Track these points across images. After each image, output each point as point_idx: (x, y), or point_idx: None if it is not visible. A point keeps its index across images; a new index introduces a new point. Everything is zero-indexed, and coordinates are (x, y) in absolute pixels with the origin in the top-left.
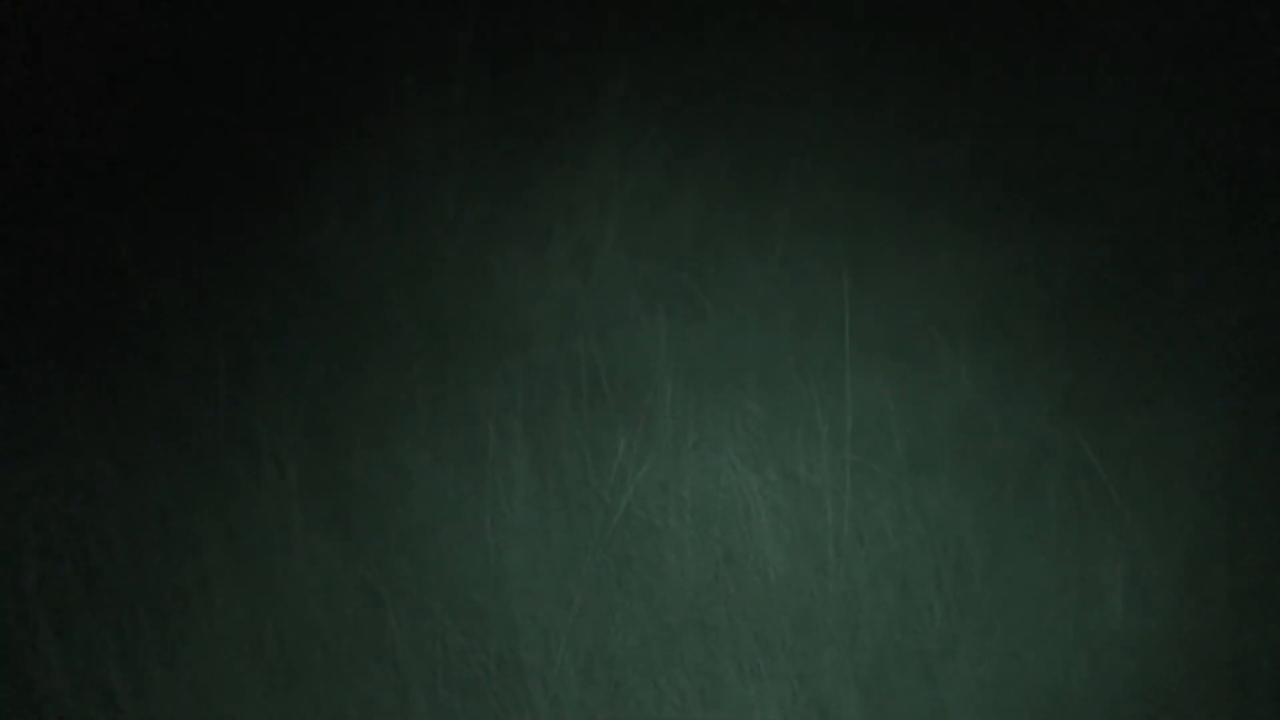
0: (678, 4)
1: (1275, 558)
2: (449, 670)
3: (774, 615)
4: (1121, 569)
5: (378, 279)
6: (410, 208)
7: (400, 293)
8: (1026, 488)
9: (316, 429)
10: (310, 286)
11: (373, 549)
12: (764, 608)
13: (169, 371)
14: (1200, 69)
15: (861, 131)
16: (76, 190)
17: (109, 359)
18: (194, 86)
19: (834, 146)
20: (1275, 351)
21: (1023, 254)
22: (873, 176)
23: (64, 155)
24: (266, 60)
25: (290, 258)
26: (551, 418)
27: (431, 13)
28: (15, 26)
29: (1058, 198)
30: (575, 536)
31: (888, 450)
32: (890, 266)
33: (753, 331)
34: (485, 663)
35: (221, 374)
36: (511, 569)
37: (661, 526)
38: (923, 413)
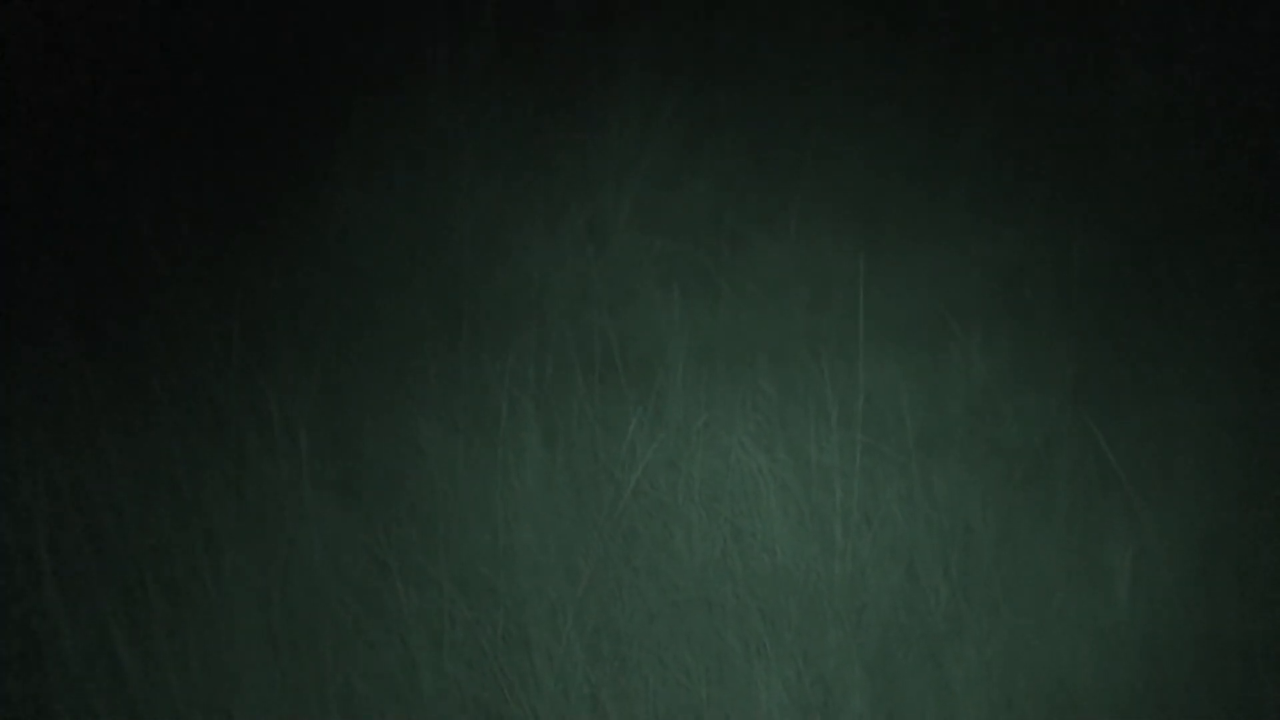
0: None
1: None
2: (455, 644)
3: (781, 594)
4: (1129, 555)
5: (393, 250)
6: (426, 180)
7: (415, 265)
8: (1036, 473)
9: (328, 398)
10: (325, 257)
11: (382, 520)
12: (771, 587)
13: (183, 338)
14: (1217, 58)
15: (879, 114)
16: (93, 158)
17: (123, 325)
18: (212, 56)
19: (850, 128)
20: None
21: (1037, 240)
22: (889, 160)
23: (81, 123)
24: (285, 31)
25: (306, 228)
26: (563, 393)
27: None
28: None
29: (1073, 185)
30: (584, 512)
31: (898, 432)
32: (905, 249)
33: (766, 311)
34: (492, 637)
35: (235, 342)
36: (520, 543)
37: (670, 504)
38: (934, 396)
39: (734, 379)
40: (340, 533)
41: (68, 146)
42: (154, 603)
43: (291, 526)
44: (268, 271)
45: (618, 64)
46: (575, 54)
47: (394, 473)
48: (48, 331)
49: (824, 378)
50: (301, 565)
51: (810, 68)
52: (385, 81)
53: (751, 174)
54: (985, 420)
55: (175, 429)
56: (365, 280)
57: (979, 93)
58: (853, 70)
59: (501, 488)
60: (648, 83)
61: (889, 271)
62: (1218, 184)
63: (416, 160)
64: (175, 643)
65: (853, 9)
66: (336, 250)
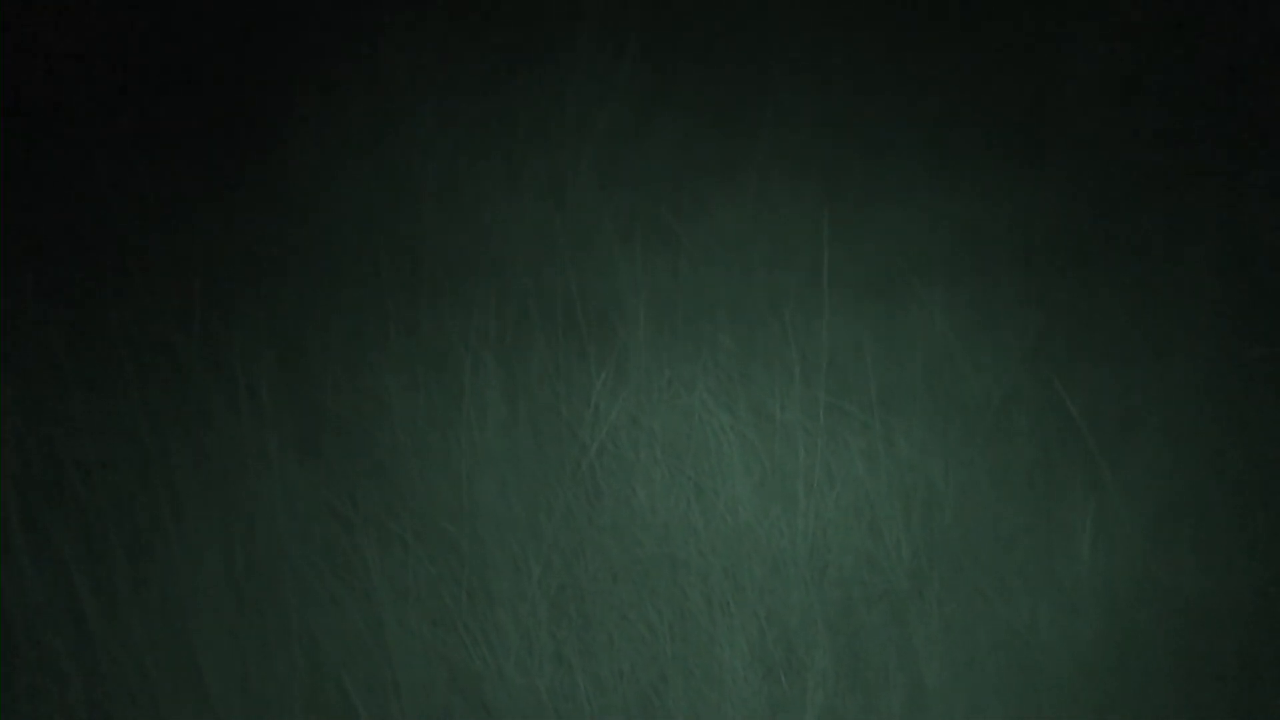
0: None
1: (1242, 502)
2: (419, 599)
3: (744, 552)
4: (1090, 511)
5: (352, 206)
6: (385, 137)
7: (374, 221)
8: (997, 430)
9: (290, 355)
10: (284, 212)
11: (345, 476)
12: (734, 545)
13: (144, 296)
14: (1178, 12)
15: (841, 67)
16: (53, 118)
17: (84, 283)
18: (172, 16)
19: (812, 83)
20: (1247, 299)
21: (998, 199)
22: (848, 117)
23: (39, 85)
24: None
25: (264, 185)
26: (524, 349)
27: None
28: None
29: (1034, 144)
30: (546, 468)
31: (860, 390)
32: (864, 206)
33: (726, 268)
34: (456, 593)
35: (197, 300)
36: (483, 500)
37: (633, 461)
38: (896, 353)
39: (695, 336)
40: (303, 489)
41: (28, 105)
42: (118, 559)
43: (254, 483)
44: (228, 229)
45: (576, 18)
46: (533, 8)
47: (356, 429)
48: (10, 289)
49: (786, 335)
50: (265, 522)
51: (769, 25)
52: (342, 38)
53: (710, 130)
54: (947, 378)
55: (138, 386)
56: (325, 237)
57: (938, 51)
58: (811, 26)
59: (464, 443)
60: (606, 37)
61: (849, 229)
62: (1180, 143)
63: (375, 116)
64: (139, 598)
65: None
66: (295, 207)
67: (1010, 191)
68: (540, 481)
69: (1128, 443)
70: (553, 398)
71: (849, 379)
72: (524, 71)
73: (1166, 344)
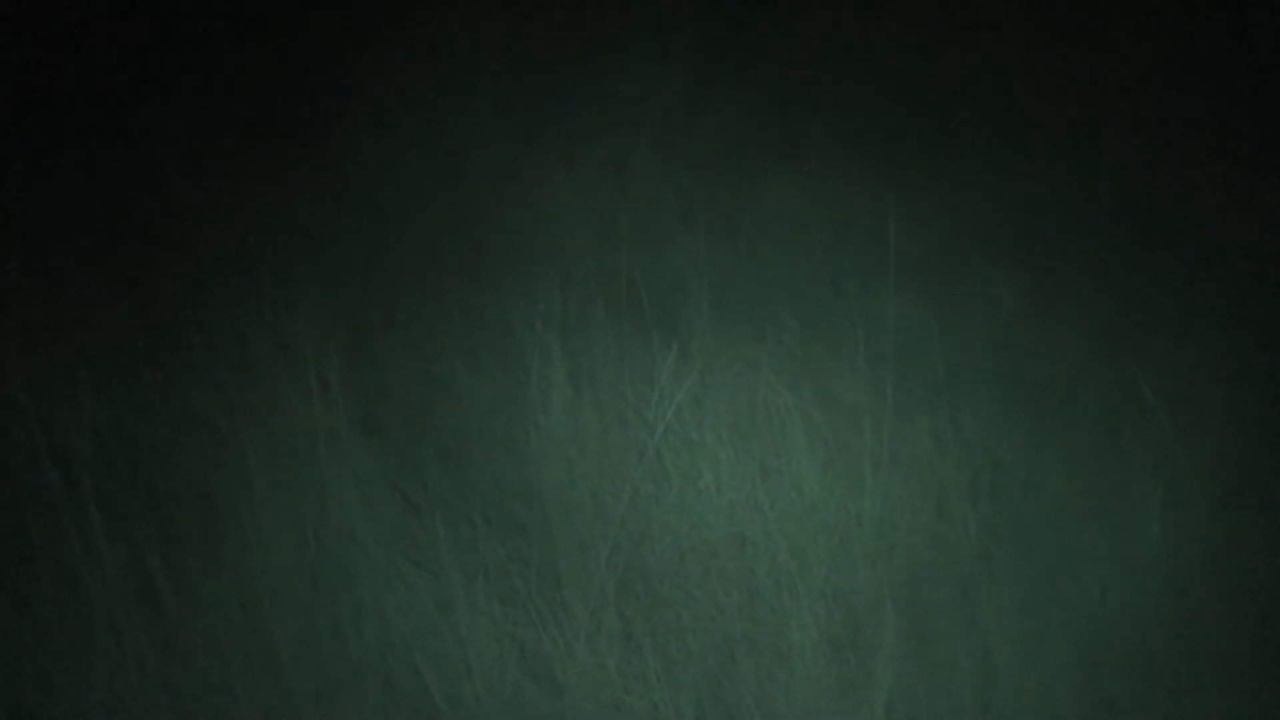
0: None
1: None
2: (489, 580)
3: (810, 532)
4: (1158, 492)
5: (412, 190)
6: (442, 120)
7: (434, 205)
8: (1064, 409)
9: (356, 341)
10: (346, 200)
11: (413, 460)
12: (800, 524)
13: (212, 281)
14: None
15: (895, 49)
16: (120, 108)
17: (151, 269)
18: (231, 2)
19: (867, 62)
20: None
21: (1059, 173)
22: (906, 94)
23: (104, 70)
24: None
25: (326, 169)
26: (588, 331)
27: None
28: None
29: (1094, 118)
30: (613, 449)
31: (925, 369)
32: (927, 183)
33: (787, 247)
34: (525, 574)
35: (264, 285)
36: (549, 481)
37: (698, 441)
38: (961, 332)
39: (758, 316)
40: (372, 472)
41: (97, 95)
42: (191, 541)
43: (324, 466)
44: (291, 214)
45: (629, 5)
46: None
47: (422, 412)
48: (82, 278)
49: (849, 315)
50: (335, 504)
51: (821, 4)
52: (399, 22)
53: (768, 108)
54: (1013, 356)
55: (208, 370)
56: (386, 220)
57: (998, 28)
58: (863, 7)
59: (529, 426)
60: (662, 18)
61: (911, 208)
62: (1241, 121)
63: (432, 101)
64: (213, 579)
65: None
66: (356, 191)
67: (1071, 165)
68: (607, 463)
69: (1196, 422)
70: (617, 380)
71: (914, 358)
72: (579, 54)
73: (1234, 323)
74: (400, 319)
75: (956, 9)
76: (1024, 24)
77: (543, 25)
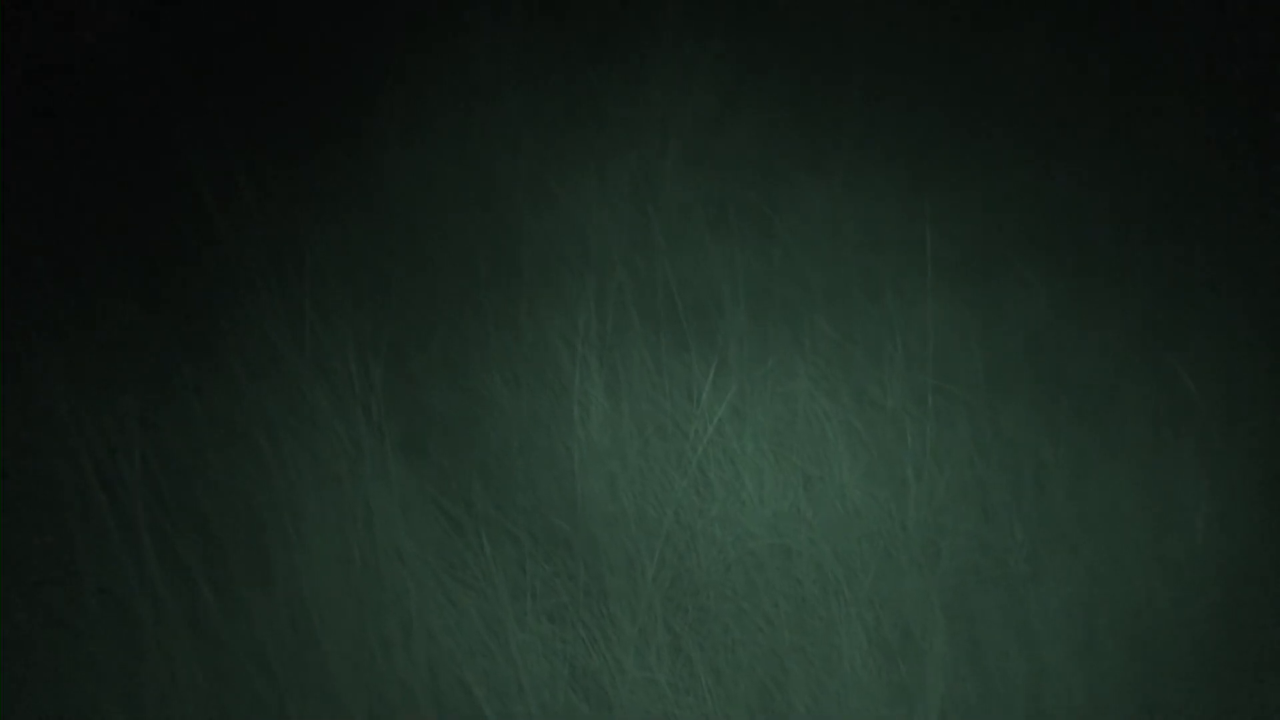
0: None
1: None
2: (536, 597)
3: (855, 539)
4: (1203, 490)
5: (444, 205)
6: (473, 134)
7: (467, 219)
8: (1106, 409)
9: (395, 359)
10: (379, 213)
11: (455, 477)
12: (845, 532)
13: (246, 299)
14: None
15: (920, 53)
16: (152, 122)
17: (193, 294)
18: (260, 16)
19: (892, 67)
20: None
21: (1091, 174)
22: (933, 97)
23: (136, 92)
24: None
25: (358, 185)
26: (625, 343)
27: None
28: None
29: (1124, 119)
30: (654, 462)
31: (964, 372)
32: (961, 186)
33: (820, 253)
34: (572, 590)
35: (304, 307)
36: (591, 495)
37: (738, 451)
38: (999, 333)
39: (794, 323)
40: (415, 490)
41: (127, 113)
42: (239, 563)
43: (368, 485)
44: (325, 231)
45: (658, 14)
46: (616, 5)
47: (464, 430)
48: (122, 304)
49: (885, 319)
50: (380, 524)
51: (853, 8)
52: (428, 35)
53: (796, 116)
54: (1052, 357)
55: (251, 394)
56: (419, 236)
57: (1027, 30)
58: (892, 10)
59: (569, 440)
60: (689, 27)
61: (943, 209)
62: (1274, 116)
63: (462, 114)
64: (261, 600)
65: None
66: (389, 206)
67: (1102, 166)
68: (648, 475)
69: (1239, 420)
70: (656, 391)
71: (953, 361)
72: (607, 64)
73: (1273, 313)
74: (437, 335)
75: (987, 13)
76: (1056, 27)
77: (571, 36)
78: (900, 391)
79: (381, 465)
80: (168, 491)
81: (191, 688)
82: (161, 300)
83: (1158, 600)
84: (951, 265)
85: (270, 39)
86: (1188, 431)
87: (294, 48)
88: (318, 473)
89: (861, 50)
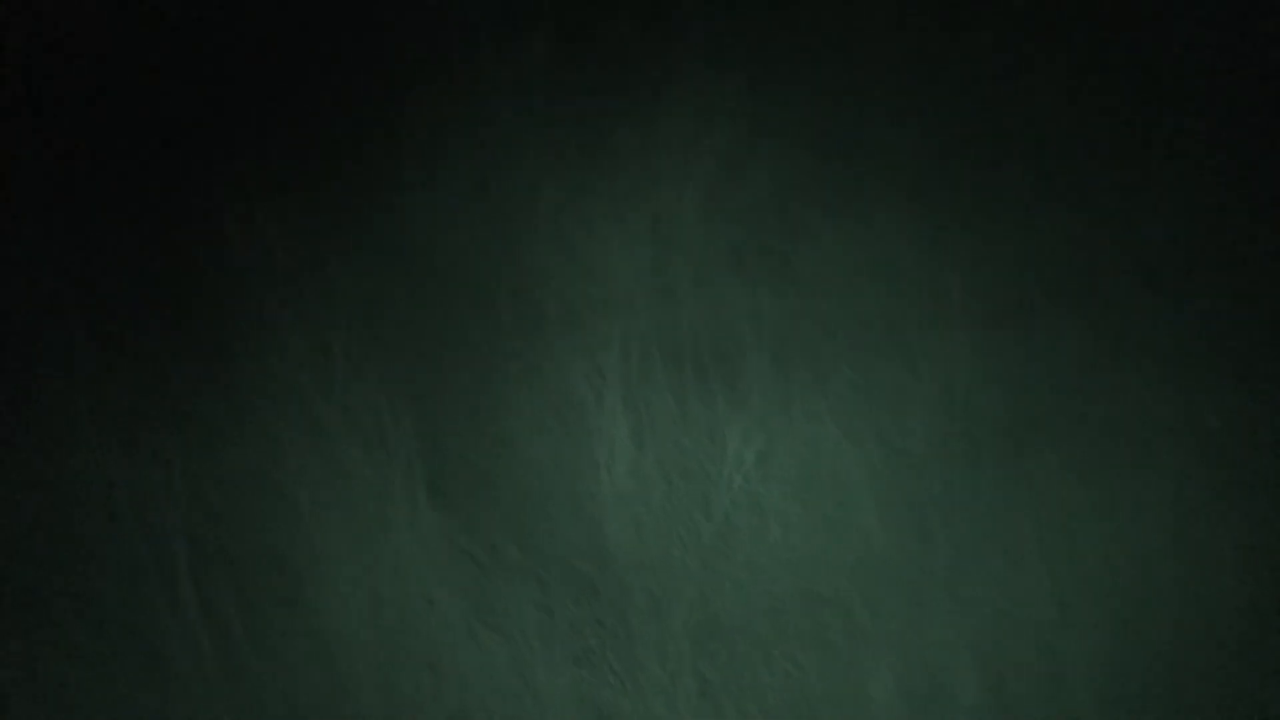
0: None
1: None
2: (563, 641)
3: (881, 585)
4: (1235, 535)
5: (465, 250)
6: (493, 180)
7: (489, 264)
8: (1134, 454)
9: (420, 406)
10: (400, 258)
11: (480, 522)
12: (870, 577)
13: (272, 348)
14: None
15: (941, 89)
16: (176, 172)
17: (212, 329)
18: (281, 64)
19: (920, 104)
20: None
21: (1115, 219)
22: (954, 136)
23: (164, 137)
24: (346, 34)
25: (379, 230)
26: (648, 387)
27: None
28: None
29: (1136, 165)
30: (679, 506)
31: (990, 417)
32: (981, 226)
33: (840, 298)
34: (600, 633)
35: (334, 357)
36: (616, 539)
37: (763, 496)
38: (1024, 378)
39: (816, 368)
40: (441, 536)
41: (152, 160)
42: (273, 609)
43: (395, 532)
44: (349, 272)
45: (675, 57)
46: (634, 48)
47: (488, 475)
48: (147, 341)
49: (909, 364)
50: (407, 568)
51: (868, 55)
52: (449, 83)
53: (812, 162)
54: (1079, 402)
55: (280, 444)
56: (441, 281)
57: (1046, 73)
58: (912, 45)
59: (595, 485)
60: (706, 75)
61: (964, 253)
62: None
63: (481, 160)
64: (292, 643)
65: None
66: (410, 252)
67: (1128, 214)
68: (674, 520)
69: (1268, 462)
70: (680, 436)
71: (978, 406)
72: (626, 111)
73: None
74: (462, 382)
75: (1007, 55)
76: (1072, 72)
77: (588, 86)
78: (925, 436)
79: (409, 511)
80: (206, 539)
81: None
82: (186, 345)
83: (1189, 646)
84: (976, 309)
85: (292, 83)
86: (1217, 475)
87: (316, 91)
88: (347, 519)
89: (881, 96)
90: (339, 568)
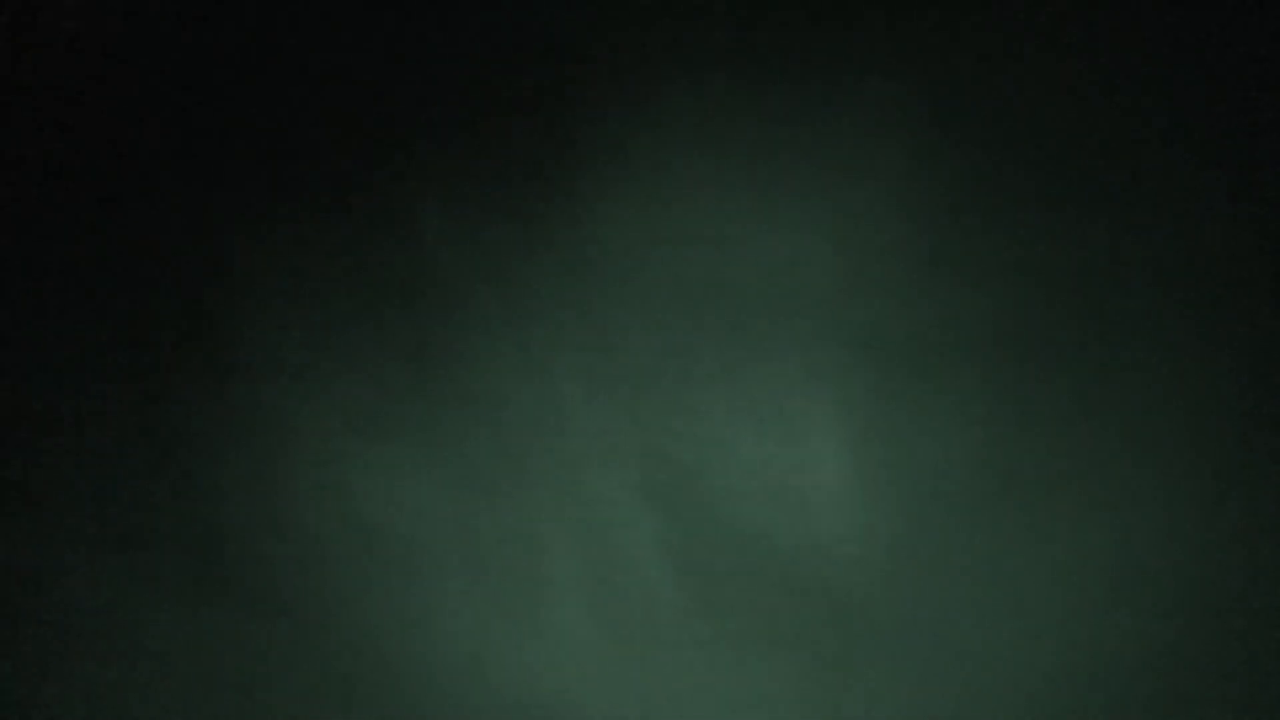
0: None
1: None
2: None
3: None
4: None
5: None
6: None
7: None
8: (1149, 488)
9: (453, 476)
10: (422, 302)
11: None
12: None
13: (283, 397)
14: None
15: (948, 113)
16: (183, 208)
17: (234, 378)
18: (295, 100)
19: (917, 125)
20: None
21: (1126, 232)
22: (958, 159)
23: (167, 176)
24: (361, 68)
25: (398, 270)
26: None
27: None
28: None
29: (1160, 180)
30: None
31: (993, 460)
32: (979, 247)
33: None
34: None
35: (356, 414)
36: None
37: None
38: (1026, 414)
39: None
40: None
41: (156, 202)
42: (279, 640)
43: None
44: (377, 324)
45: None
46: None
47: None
48: (155, 362)
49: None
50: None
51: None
52: (464, 113)
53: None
54: (1082, 435)
55: (308, 499)
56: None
57: (1049, 95)
58: (917, 74)
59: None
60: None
61: (963, 273)
62: None
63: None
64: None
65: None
66: (423, 300)
67: (1139, 229)
68: None
69: None
70: None
71: (981, 447)
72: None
73: None
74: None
75: (1007, 82)
76: (1079, 90)
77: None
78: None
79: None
80: (217, 578)
81: None
82: (173, 389)
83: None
84: (978, 335)
85: (304, 124)
86: (1228, 507)
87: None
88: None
89: (881, 117)
90: (359, 612)
